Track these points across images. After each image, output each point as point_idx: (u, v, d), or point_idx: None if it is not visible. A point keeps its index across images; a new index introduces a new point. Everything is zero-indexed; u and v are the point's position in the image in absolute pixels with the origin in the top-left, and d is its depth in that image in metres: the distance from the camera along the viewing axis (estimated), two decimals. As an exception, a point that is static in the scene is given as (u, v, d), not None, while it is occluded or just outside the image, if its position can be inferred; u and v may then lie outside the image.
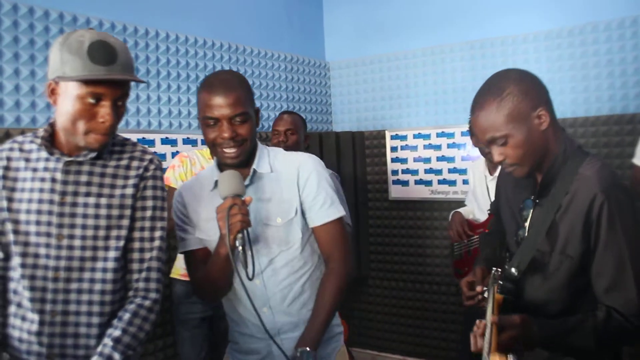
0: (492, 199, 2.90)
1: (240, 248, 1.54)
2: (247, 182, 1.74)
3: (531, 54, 3.62)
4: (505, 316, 1.45)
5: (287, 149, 2.95)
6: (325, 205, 1.78)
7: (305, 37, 4.36)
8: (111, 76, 1.47)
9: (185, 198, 1.84)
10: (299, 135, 3.08)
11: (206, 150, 2.93)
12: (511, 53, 3.69)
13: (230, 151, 1.69)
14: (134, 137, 2.70)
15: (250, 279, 1.60)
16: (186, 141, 3.24)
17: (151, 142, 3.04)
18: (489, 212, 2.93)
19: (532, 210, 1.65)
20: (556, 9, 3.52)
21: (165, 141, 3.13)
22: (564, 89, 3.51)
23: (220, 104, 1.66)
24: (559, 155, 1.59)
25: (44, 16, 2.59)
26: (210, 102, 1.67)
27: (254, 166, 1.77)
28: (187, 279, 2.81)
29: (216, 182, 1.73)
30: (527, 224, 1.65)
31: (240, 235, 1.55)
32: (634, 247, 1.48)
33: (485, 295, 1.71)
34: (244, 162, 1.74)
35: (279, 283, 1.76)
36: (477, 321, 1.52)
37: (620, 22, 3.31)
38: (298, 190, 1.77)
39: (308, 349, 1.63)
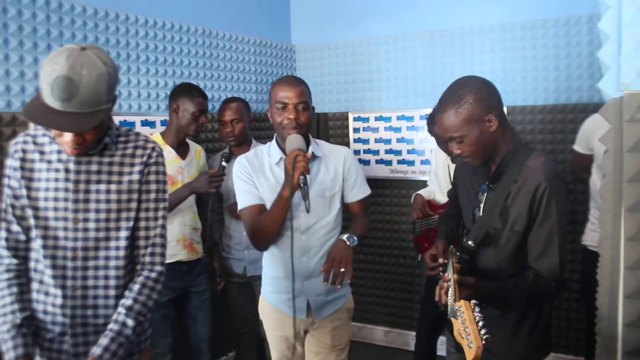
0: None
1: (302, 186, 2.07)
2: None
3: (487, 45, 3.90)
4: (464, 277, 1.79)
5: (235, 138, 3.21)
6: (360, 187, 2.43)
7: (272, 21, 4.51)
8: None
9: (251, 165, 2.35)
10: (244, 122, 3.25)
11: (157, 136, 3.04)
12: (468, 43, 3.96)
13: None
14: (115, 119, 2.84)
15: (308, 212, 2.12)
16: (163, 122, 3.38)
17: (131, 124, 3.19)
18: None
19: (486, 194, 1.98)
20: (511, 4, 3.80)
21: (144, 123, 3.28)
22: (515, 78, 3.81)
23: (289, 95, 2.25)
24: (510, 150, 1.92)
25: (31, 2, 2.69)
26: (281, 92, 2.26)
27: (311, 150, 2.32)
28: None
29: (281, 158, 2.31)
30: (481, 205, 1.99)
31: (302, 177, 2.07)
32: (562, 226, 1.86)
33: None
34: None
35: (319, 239, 2.33)
36: (441, 281, 1.84)
37: (566, 20, 3.61)
38: (343, 173, 2.38)
39: (346, 234, 2.26)
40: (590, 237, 3.11)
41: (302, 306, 2.33)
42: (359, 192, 2.43)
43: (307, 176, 2.18)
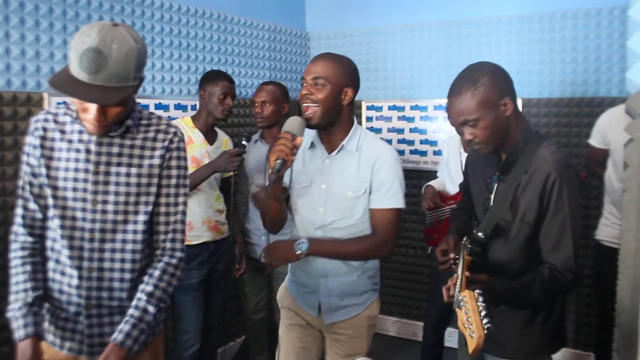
0: (464, 173, 3.18)
1: (274, 171, 1.88)
2: (334, 153, 2.12)
3: (503, 36, 3.86)
4: (476, 275, 1.74)
5: (262, 120, 3.21)
6: (385, 194, 2.11)
7: (287, 8, 4.49)
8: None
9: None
10: (275, 106, 3.25)
11: (188, 119, 3.11)
12: (485, 34, 3.92)
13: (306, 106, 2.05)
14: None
15: (276, 200, 2.02)
16: (177, 106, 3.39)
17: (146, 107, 3.18)
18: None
19: (496, 184, 1.96)
20: (528, -5, 3.77)
21: (158, 106, 3.28)
22: (531, 70, 3.78)
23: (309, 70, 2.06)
24: (520, 140, 1.89)
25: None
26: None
27: (343, 142, 2.11)
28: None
29: (312, 143, 2.17)
30: (492, 196, 1.96)
31: (278, 161, 1.88)
32: (575, 216, 1.82)
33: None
34: (319, 125, 2.08)
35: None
36: (449, 278, 1.79)
37: (586, 13, 3.57)
38: (371, 174, 2.10)
39: (305, 240, 2.12)
40: (604, 232, 3.10)
41: (314, 304, 2.24)
42: (381, 200, 2.12)
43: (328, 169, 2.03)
